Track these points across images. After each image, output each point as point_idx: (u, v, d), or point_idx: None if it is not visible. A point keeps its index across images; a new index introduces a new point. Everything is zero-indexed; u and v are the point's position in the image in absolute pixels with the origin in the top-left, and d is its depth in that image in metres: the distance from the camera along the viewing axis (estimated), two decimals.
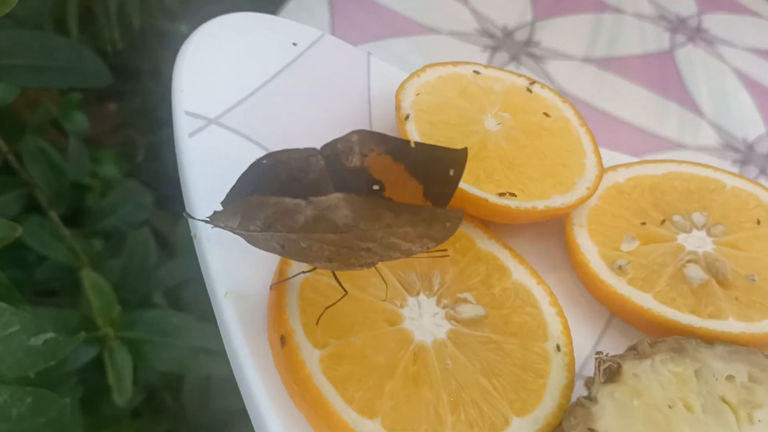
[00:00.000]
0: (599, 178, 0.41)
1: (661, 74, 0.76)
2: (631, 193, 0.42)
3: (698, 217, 0.41)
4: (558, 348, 0.36)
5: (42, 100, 0.74)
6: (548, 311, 0.37)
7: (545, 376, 0.35)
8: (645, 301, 0.37)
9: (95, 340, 0.62)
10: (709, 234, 0.40)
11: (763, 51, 0.78)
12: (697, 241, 0.40)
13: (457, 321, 0.35)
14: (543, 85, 0.45)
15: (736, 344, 0.35)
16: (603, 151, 0.43)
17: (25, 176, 0.67)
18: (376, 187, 0.33)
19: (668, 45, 0.78)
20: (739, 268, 0.39)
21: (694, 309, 0.37)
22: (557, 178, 0.40)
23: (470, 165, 0.39)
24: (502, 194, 0.38)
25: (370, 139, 0.33)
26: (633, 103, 0.73)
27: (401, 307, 0.35)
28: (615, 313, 0.39)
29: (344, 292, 0.33)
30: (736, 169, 0.65)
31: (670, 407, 0.32)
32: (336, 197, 0.30)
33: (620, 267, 0.38)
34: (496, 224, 0.40)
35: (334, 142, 0.33)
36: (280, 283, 0.34)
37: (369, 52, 0.46)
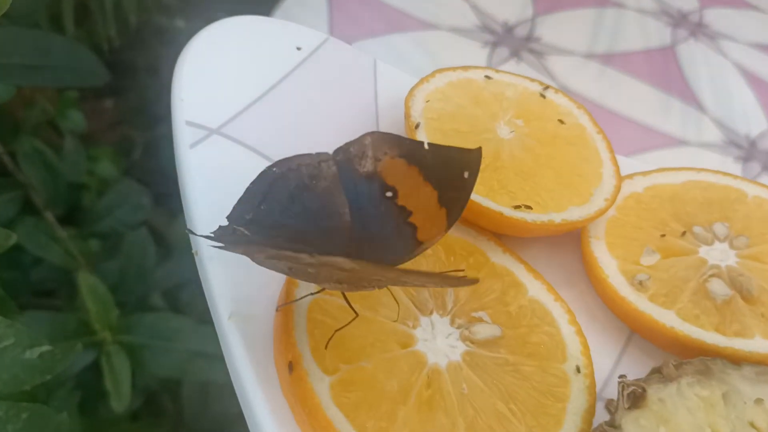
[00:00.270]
0: (617, 189, 0.38)
1: (663, 70, 0.73)
2: (650, 203, 0.40)
3: (720, 229, 0.38)
4: (578, 369, 0.33)
5: (38, 98, 0.72)
6: (567, 330, 0.34)
7: (565, 399, 0.32)
8: (668, 319, 0.35)
9: (93, 345, 0.60)
10: (731, 246, 0.38)
11: (765, 46, 0.76)
12: (720, 254, 0.37)
13: (472, 342, 0.33)
14: (557, 90, 0.42)
15: (764, 365, 0.32)
16: (618, 158, 0.40)
17: (20, 177, 0.65)
18: (389, 194, 0.31)
19: (670, 40, 0.76)
20: (764, 283, 0.36)
21: (718, 327, 0.35)
22: (574, 190, 0.38)
23: (483, 175, 0.37)
24: (517, 207, 0.36)
25: (383, 141, 0.32)
26: (635, 99, 0.71)
27: (414, 327, 0.32)
28: (635, 330, 0.37)
29: (355, 314, 0.31)
30: (738, 166, 0.63)
31: None
32: (341, 260, 0.27)
33: (641, 282, 0.36)
34: (510, 236, 0.38)
35: (347, 145, 0.32)
36: (287, 305, 0.32)
37: (375, 59, 0.43)
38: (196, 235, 0.32)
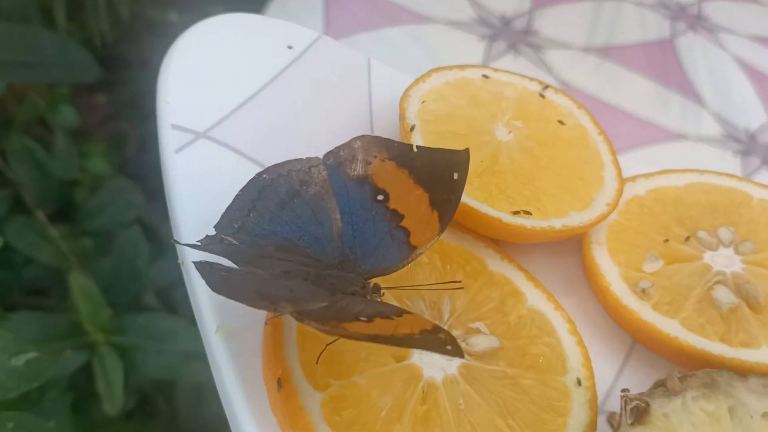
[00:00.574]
0: (619, 192, 0.36)
1: (661, 63, 0.72)
2: (653, 206, 0.38)
3: (725, 234, 0.37)
4: (579, 382, 0.32)
5: (29, 94, 0.70)
6: (567, 341, 0.33)
7: (566, 414, 0.31)
8: (672, 328, 0.33)
9: (84, 346, 0.58)
10: (737, 252, 0.36)
11: (764, 39, 0.75)
12: (725, 260, 0.36)
13: (469, 354, 0.31)
14: (557, 90, 0.40)
15: None
16: (619, 159, 0.39)
17: (10, 175, 0.64)
18: (380, 197, 0.31)
19: (668, 33, 0.74)
20: None
21: (724, 336, 0.33)
22: (575, 194, 0.36)
23: (482, 180, 0.35)
24: (516, 212, 0.34)
25: (373, 144, 0.32)
26: (633, 92, 0.69)
27: None
28: (638, 340, 0.35)
29: None
30: (738, 161, 0.62)
31: None
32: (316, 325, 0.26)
33: (644, 290, 0.34)
34: (509, 242, 0.36)
35: (338, 149, 0.32)
36: (276, 318, 0.30)
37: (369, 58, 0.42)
38: (181, 244, 0.31)
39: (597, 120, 0.40)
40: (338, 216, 0.31)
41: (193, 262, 0.28)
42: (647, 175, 0.39)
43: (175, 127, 0.34)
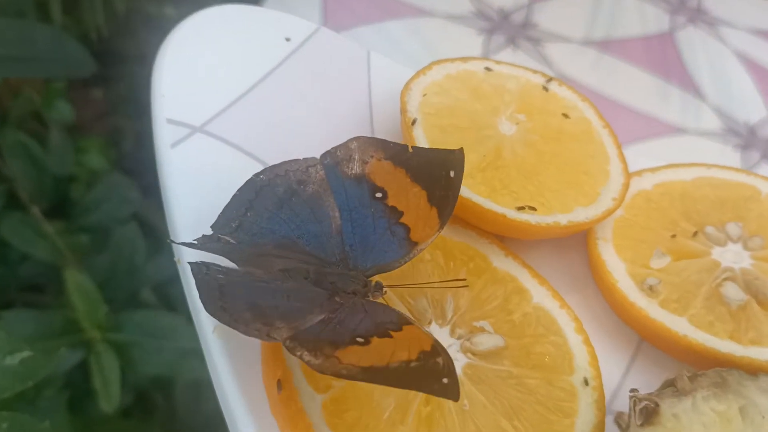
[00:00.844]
0: (626, 187, 0.35)
1: (661, 56, 0.71)
2: (660, 201, 0.37)
3: (733, 229, 0.36)
4: (586, 382, 0.31)
5: (25, 89, 0.69)
6: (573, 339, 0.32)
7: (573, 415, 0.30)
8: (680, 326, 0.32)
9: (81, 344, 0.57)
10: (745, 248, 0.35)
11: (764, 32, 0.74)
12: (734, 256, 0.35)
13: (473, 354, 0.30)
14: (560, 83, 0.39)
15: None
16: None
17: (5, 171, 0.63)
18: (379, 194, 0.31)
19: (668, 26, 0.73)
20: None
21: (733, 334, 0.32)
22: (580, 189, 0.35)
23: (485, 175, 0.34)
24: (520, 208, 0.33)
25: (369, 145, 0.31)
26: (633, 86, 0.69)
27: None
28: (645, 338, 0.34)
29: None
30: (737, 155, 0.61)
31: None
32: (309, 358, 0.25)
33: (651, 287, 0.33)
34: (513, 238, 0.35)
35: (334, 149, 0.32)
36: None
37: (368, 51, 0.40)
38: (177, 243, 0.30)
39: (591, 102, 0.40)
40: (337, 214, 0.31)
41: (189, 263, 0.27)
42: (653, 169, 0.38)
43: (170, 121, 0.33)
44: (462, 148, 0.31)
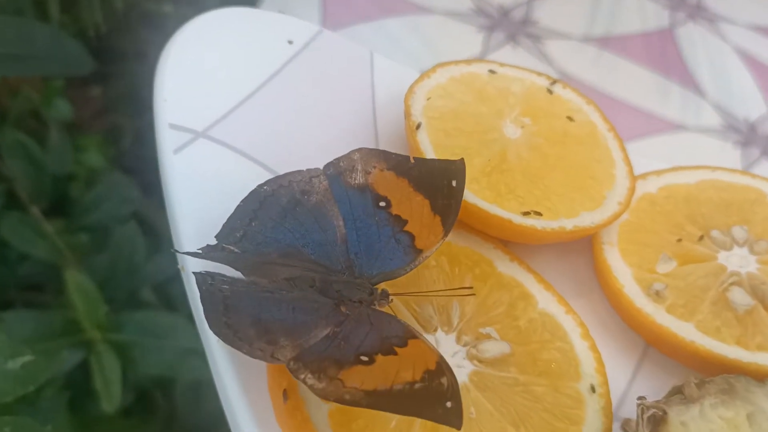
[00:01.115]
0: (631, 191, 0.35)
1: (661, 53, 0.71)
2: (665, 205, 0.36)
3: (739, 232, 0.35)
4: (592, 389, 0.30)
5: (23, 87, 0.69)
6: (580, 346, 0.31)
7: (580, 422, 0.29)
8: (687, 332, 0.32)
9: (81, 344, 0.57)
10: (751, 251, 0.35)
11: (764, 28, 0.73)
12: (740, 260, 0.34)
13: (479, 361, 0.30)
14: (565, 85, 0.39)
15: None
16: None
17: (4, 171, 0.62)
18: (382, 203, 0.31)
19: (668, 23, 0.73)
20: None
21: (740, 340, 0.32)
22: (585, 193, 0.34)
23: (490, 179, 0.34)
24: (526, 213, 0.33)
25: (371, 156, 0.32)
26: (633, 83, 0.68)
27: None
28: (651, 343, 0.34)
29: None
30: (738, 152, 0.61)
31: None
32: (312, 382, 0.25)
33: (657, 292, 0.33)
34: (517, 243, 0.35)
35: (337, 160, 0.32)
36: None
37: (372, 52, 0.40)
38: (181, 253, 0.29)
39: (596, 104, 0.39)
40: (341, 223, 0.31)
41: (194, 273, 0.27)
42: (658, 172, 0.38)
43: (173, 126, 0.33)
44: (462, 159, 0.31)
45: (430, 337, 0.30)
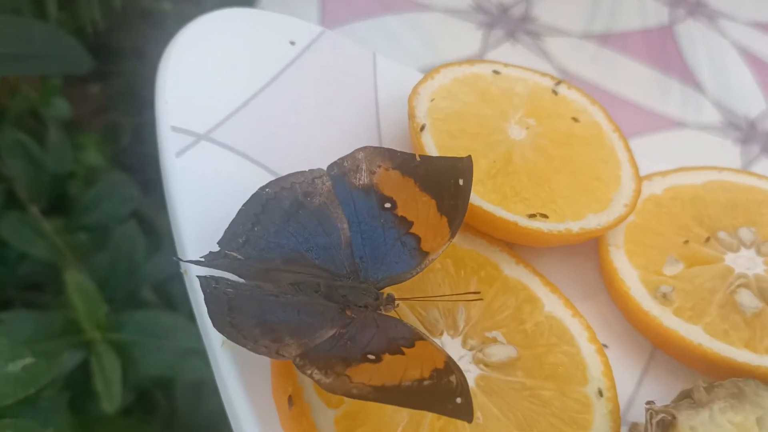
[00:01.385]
0: (638, 193, 0.35)
1: (661, 50, 0.70)
2: (671, 206, 0.36)
3: (746, 234, 0.35)
4: (600, 392, 0.30)
5: (21, 86, 0.68)
6: (587, 349, 0.31)
7: (587, 427, 0.29)
8: (695, 335, 0.32)
9: (81, 344, 0.56)
10: (759, 253, 0.34)
11: (763, 25, 0.73)
12: (747, 262, 0.34)
13: (486, 365, 0.30)
14: (570, 85, 0.38)
15: None
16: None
17: (4, 170, 0.61)
18: (388, 204, 0.30)
19: (668, 20, 0.73)
20: None
21: (748, 343, 0.32)
22: (592, 195, 0.34)
23: (495, 181, 0.33)
24: (532, 216, 0.32)
25: (376, 155, 0.31)
26: (633, 80, 0.68)
27: None
28: (659, 346, 0.33)
29: None
30: (737, 149, 0.60)
31: None
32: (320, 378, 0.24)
33: (664, 295, 0.33)
34: (523, 245, 0.34)
35: (341, 160, 0.31)
36: None
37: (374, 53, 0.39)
38: (184, 261, 0.29)
39: (600, 105, 0.39)
40: (346, 225, 0.30)
41: (198, 277, 0.27)
42: (663, 173, 0.38)
43: (175, 129, 0.32)
44: (470, 156, 0.31)
45: (436, 341, 0.30)
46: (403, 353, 0.26)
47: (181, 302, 0.64)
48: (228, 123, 0.34)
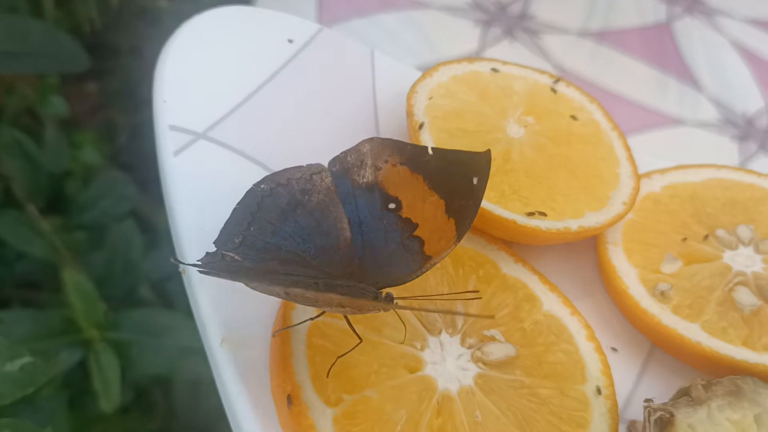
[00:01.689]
0: (636, 191, 0.35)
1: (658, 47, 0.71)
2: (669, 204, 0.36)
3: (744, 231, 0.35)
4: (598, 391, 0.30)
5: (18, 84, 0.68)
6: (585, 347, 0.31)
7: (586, 425, 0.29)
8: (693, 333, 0.32)
9: (79, 343, 0.56)
10: (757, 251, 0.35)
11: (761, 22, 0.73)
12: (745, 260, 0.34)
13: (484, 363, 0.30)
14: (568, 83, 0.38)
15: None
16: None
17: (1, 169, 0.62)
18: (392, 205, 0.29)
19: (665, 17, 0.73)
20: None
21: (746, 341, 0.32)
22: (590, 193, 0.34)
23: (494, 180, 0.33)
24: (530, 214, 0.32)
25: (384, 147, 0.29)
26: (631, 77, 0.68)
27: (422, 349, 0.29)
28: (657, 344, 0.33)
29: (359, 340, 0.28)
30: (735, 146, 0.60)
31: None
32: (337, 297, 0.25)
33: (662, 293, 0.33)
34: (522, 244, 0.34)
35: (344, 154, 0.29)
36: (284, 330, 0.28)
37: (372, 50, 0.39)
38: (181, 263, 0.29)
39: (599, 103, 0.39)
40: (346, 225, 0.29)
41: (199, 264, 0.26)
42: (662, 171, 0.38)
43: (173, 128, 0.32)
44: (489, 151, 0.29)
45: (434, 340, 0.30)
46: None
47: (179, 300, 0.64)
48: (226, 121, 0.33)
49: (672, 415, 0.28)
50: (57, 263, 0.60)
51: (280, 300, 0.29)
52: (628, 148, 0.36)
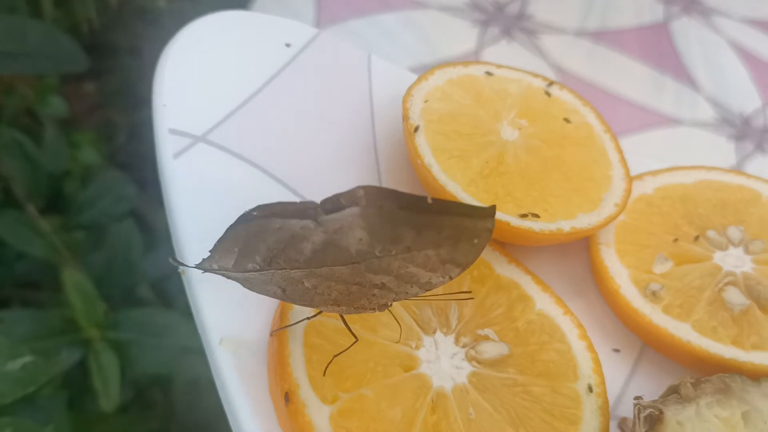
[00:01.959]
0: (628, 193, 0.35)
1: (655, 47, 0.71)
2: (661, 205, 0.37)
3: (734, 233, 0.36)
4: (590, 389, 0.31)
5: (17, 84, 0.69)
6: (577, 346, 0.32)
7: (577, 422, 0.30)
8: (684, 332, 0.32)
9: (80, 343, 0.57)
10: (747, 251, 0.35)
11: (758, 21, 0.74)
12: (735, 260, 0.35)
13: (478, 362, 0.30)
14: (562, 86, 0.39)
15: None
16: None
17: (0, 169, 0.62)
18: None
19: (662, 17, 0.73)
20: None
21: (736, 340, 0.32)
22: (583, 195, 0.35)
23: (488, 182, 0.34)
24: (523, 215, 0.33)
25: (378, 195, 0.25)
26: (628, 77, 0.69)
27: (417, 348, 0.30)
28: (648, 343, 0.34)
29: (354, 339, 0.28)
30: (732, 146, 0.61)
31: None
32: (350, 213, 0.24)
33: (654, 292, 0.34)
34: (515, 245, 0.35)
35: (337, 197, 0.25)
36: (281, 330, 0.29)
37: (369, 54, 0.40)
38: (181, 264, 0.29)
39: (592, 106, 0.39)
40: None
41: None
42: (654, 173, 0.38)
43: (172, 131, 0.33)
44: (494, 206, 0.25)
45: (429, 339, 0.30)
46: None
47: (179, 300, 0.65)
48: (225, 125, 0.34)
49: (661, 412, 0.29)
50: (57, 263, 0.61)
51: (277, 300, 0.30)
52: (620, 151, 0.37)
